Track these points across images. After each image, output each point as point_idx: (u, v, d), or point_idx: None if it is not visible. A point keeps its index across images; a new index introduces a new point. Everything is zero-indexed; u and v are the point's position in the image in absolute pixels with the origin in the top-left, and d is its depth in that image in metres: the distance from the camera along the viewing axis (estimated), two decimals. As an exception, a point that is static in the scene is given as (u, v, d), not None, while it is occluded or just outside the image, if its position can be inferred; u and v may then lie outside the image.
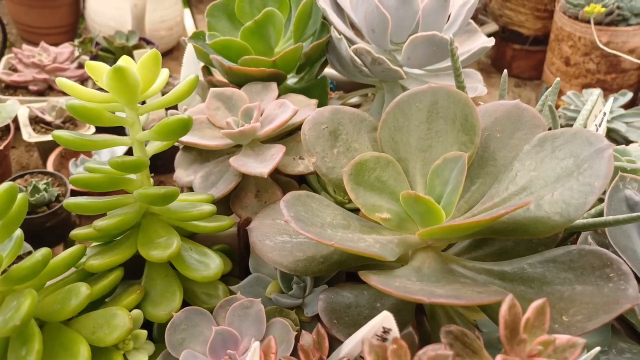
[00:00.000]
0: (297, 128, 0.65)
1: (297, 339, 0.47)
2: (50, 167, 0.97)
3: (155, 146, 0.50)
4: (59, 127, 1.06)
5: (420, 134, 0.54)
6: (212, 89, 0.62)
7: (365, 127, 0.57)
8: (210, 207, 0.48)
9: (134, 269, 0.51)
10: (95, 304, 0.46)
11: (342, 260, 0.50)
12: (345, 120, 0.56)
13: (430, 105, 0.55)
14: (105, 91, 0.46)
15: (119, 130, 0.97)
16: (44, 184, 0.87)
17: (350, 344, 0.41)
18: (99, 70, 0.44)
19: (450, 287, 0.39)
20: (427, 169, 0.53)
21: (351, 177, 0.49)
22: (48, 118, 1.05)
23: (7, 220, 0.40)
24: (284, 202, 0.44)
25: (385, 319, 0.33)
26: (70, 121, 1.08)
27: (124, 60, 0.44)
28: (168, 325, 0.45)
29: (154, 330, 0.50)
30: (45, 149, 1.02)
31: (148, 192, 0.44)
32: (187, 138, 0.58)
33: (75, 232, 0.45)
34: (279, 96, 0.64)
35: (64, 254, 0.43)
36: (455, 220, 0.46)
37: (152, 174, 0.69)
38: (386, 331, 0.35)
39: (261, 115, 0.60)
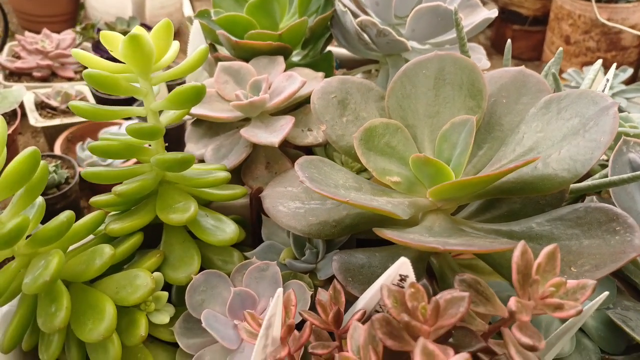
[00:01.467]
0: (305, 101, 0.67)
1: (312, 300, 0.49)
2: (57, 151, 0.98)
3: (169, 116, 0.51)
4: (64, 112, 1.07)
5: (427, 100, 0.56)
6: (220, 63, 0.63)
7: (372, 96, 0.58)
8: (225, 174, 0.50)
9: (151, 238, 0.52)
10: (115, 270, 0.48)
11: (353, 224, 0.52)
12: (353, 89, 0.57)
13: (437, 72, 0.56)
14: (119, 62, 0.47)
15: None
16: (53, 166, 0.88)
17: (366, 298, 0.42)
18: (114, 39, 0.45)
19: (462, 239, 0.40)
20: (435, 134, 0.54)
21: (361, 142, 0.50)
22: (53, 103, 1.06)
23: (31, 185, 0.41)
24: (298, 164, 0.45)
25: (402, 265, 0.35)
26: (75, 106, 1.09)
27: (138, 29, 0.45)
28: (188, 287, 0.47)
29: (173, 295, 0.51)
30: (52, 133, 1.03)
31: (165, 157, 0.45)
32: (197, 110, 0.59)
33: (95, 199, 0.47)
34: (285, 71, 0.65)
35: (85, 219, 0.44)
36: (465, 177, 0.47)
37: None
38: (403, 279, 0.36)
39: (269, 88, 0.61)
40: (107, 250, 0.41)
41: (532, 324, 0.48)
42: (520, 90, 0.56)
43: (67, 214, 0.40)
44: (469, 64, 0.55)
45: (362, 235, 0.59)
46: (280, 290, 0.35)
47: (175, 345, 0.48)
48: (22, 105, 1.04)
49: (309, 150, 0.70)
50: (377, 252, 0.50)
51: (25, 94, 1.03)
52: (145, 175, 0.48)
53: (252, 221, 0.60)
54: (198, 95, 0.46)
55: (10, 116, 1.00)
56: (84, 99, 1.11)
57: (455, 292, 0.33)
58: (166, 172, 0.49)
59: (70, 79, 1.18)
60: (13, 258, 0.43)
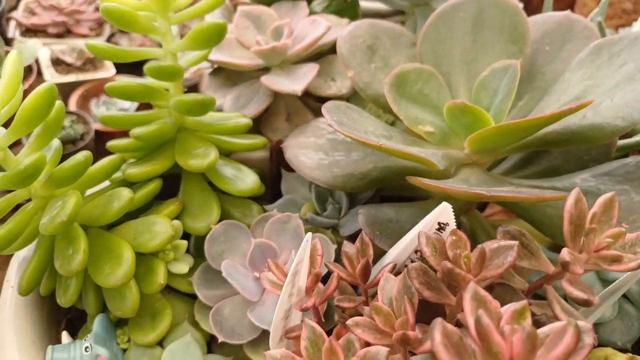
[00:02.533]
0: (328, 51, 0.63)
1: (335, 256, 0.47)
2: (72, 107, 0.97)
3: (188, 59, 0.48)
4: (79, 69, 1.04)
5: (464, 46, 0.51)
6: (240, 8, 0.59)
7: (403, 42, 0.54)
8: (246, 120, 0.47)
9: (168, 189, 0.50)
10: (132, 218, 0.46)
11: (380, 177, 0.49)
12: (383, 34, 0.53)
13: (476, 15, 0.51)
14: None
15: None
16: (70, 121, 0.87)
17: (395, 251, 0.40)
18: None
19: (508, 187, 0.37)
20: (471, 82, 0.50)
21: (392, 87, 0.47)
22: (69, 60, 1.03)
23: (47, 124, 0.39)
24: (325, 108, 0.42)
25: (443, 211, 0.32)
26: (90, 63, 1.06)
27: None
28: (207, 237, 0.45)
29: (190, 247, 0.50)
30: (67, 90, 1.01)
31: (185, 99, 0.43)
32: (216, 56, 0.55)
33: (113, 143, 0.44)
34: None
35: (102, 162, 0.42)
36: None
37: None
38: (442, 227, 0.33)
39: (291, 34, 0.58)
40: (125, 193, 0.39)
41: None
42: (565, 37, 0.52)
43: (84, 154, 0.38)
44: (511, 6, 0.50)
45: (387, 192, 0.56)
46: (309, 234, 0.33)
47: (192, 296, 0.47)
48: (37, 62, 1.02)
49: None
50: (405, 207, 0.48)
51: (40, 49, 1.00)
52: (164, 119, 0.45)
53: (272, 175, 0.57)
54: (219, 33, 0.43)
55: (26, 72, 0.97)
56: (98, 57, 1.09)
57: (502, 242, 0.31)
58: (185, 118, 0.46)
59: (85, 36, 1.15)
60: (29, 201, 0.42)
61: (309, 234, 0.33)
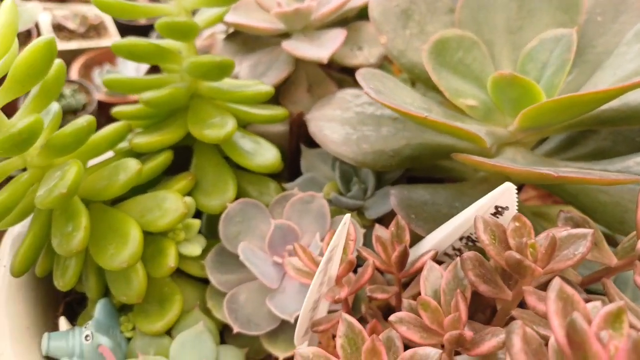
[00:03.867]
0: (354, 17, 0.58)
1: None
2: (74, 76, 0.91)
3: (203, 19, 0.43)
4: (82, 36, 0.99)
5: (508, 13, 0.46)
6: (259, -33, 0.54)
7: (440, 8, 0.49)
8: (267, 87, 0.42)
9: (178, 164, 0.46)
10: (138, 194, 0.41)
11: (414, 155, 0.44)
12: (418, -1, 0.48)
13: (523, -22, 0.46)
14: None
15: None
16: (71, 90, 0.82)
17: (436, 237, 0.35)
18: None
19: (574, 169, 0.33)
20: (517, 53, 0.45)
21: (432, 55, 0.42)
22: (71, 26, 0.98)
23: (46, 84, 0.34)
24: (360, 75, 0.38)
25: (505, 192, 0.28)
26: (94, 30, 1.01)
27: None
28: (222, 217, 0.41)
29: (202, 227, 0.45)
30: (68, 58, 0.96)
31: (200, 60, 0.38)
32: (233, 18, 0.50)
33: (119, 109, 0.40)
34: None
35: (107, 129, 0.38)
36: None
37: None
38: (499, 212, 0.29)
39: (316, -3, 0.52)
40: (132, 164, 0.35)
41: (616, 282, 0.41)
42: (618, 7, 0.47)
43: (87, 118, 0.34)
44: (564, -31, 0.45)
45: (415, 173, 0.52)
46: (348, 215, 0.28)
47: (204, 281, 0.43)
48: (37, 27, 0.96)
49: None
50: (440, 189, 0.43)
51: (40, 13, 0.94)
52: (176, 84, 0.40)
53: (291, 151, 0.53)
54: (239, -12, 0.38)
55: (25, 36, 0.92)
56: (102, 24, 1.03)
57: (572, 230, 0.26)
58: (199, 84, 0.42)
59: (87, 2, 1.09)
60: (24, 171, 0.37)
61: (348, 215, 0.29)
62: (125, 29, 1.04)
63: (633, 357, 0.17)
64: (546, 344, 0.22)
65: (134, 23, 1.07)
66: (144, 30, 1.06)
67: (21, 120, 0.31)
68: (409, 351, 0.25)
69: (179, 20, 0.36)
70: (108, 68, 0.94)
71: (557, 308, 0.19)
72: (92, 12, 1.03)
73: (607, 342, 0.18)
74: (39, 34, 0.95)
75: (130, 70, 0.94)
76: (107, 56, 0.96)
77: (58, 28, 0.98)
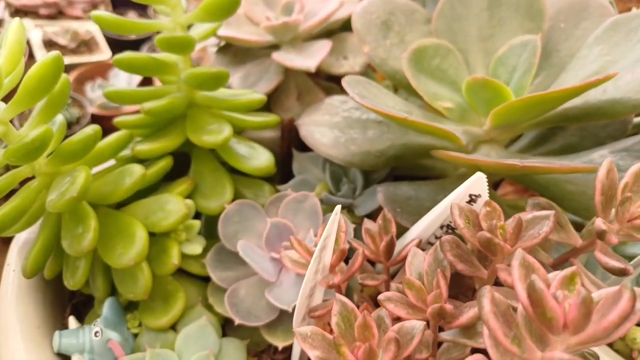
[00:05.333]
0: (339, 29, 0.61)
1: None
2: (67, 92, 0.94)
3: (199, 32, 0.46)
4: (73, 51, 1.01)
5: (480, 22, 0.50)
6: (248, -17, 0.57)
7: (417, 18, 0.53)
8: (260, 95, 0.45)
9: (176, 169, 0.48)
10: (139, 199, 0.44)
11: (398, 155, 0.48)
12: (397, 10, 0.52)
13: (492, -10, 0.50)
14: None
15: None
16: (65, 104, 0.84)
17: (419, 228, 0.39)
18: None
19: (537, 159, 0.36)
20: (488, 58, 0.49)
21: (411, 62, 0.45)
22: (62, 41, 1.00)
23: (52, 97, 0.37)
24: (346, 81, 0.41)
25: (476, 182, 0.31)
26: (85, 45, 1.03)
27: None
28: (221, 217, 0.43)
29: (201, 228, 0.48)
30: (61, 74, 0.98)
31: (198, 71, 0.41)
32: (225, 32, 0.54)
33: (121, 119, 0.42)
34: None
35: (110, 138, 0.41)
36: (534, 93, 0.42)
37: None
38: (473, 199, 0.32)
39: (302, 10, 0.56)
40: (137, 169, 0.37)
41: (587, 267, 0.45)
42: (580, 15, 0.51)
43: (93, 127, 0.36)
44: (528, -19, 0.49)
45: (400, 172, 0.55)
46: (338, 207, 0.31)
47: (203, 279, 0.46)
48: (29, 44, 0.98)
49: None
50: (423, 185, 0.47)
51: (31, 30, 0.97)
52: (174, 94, 0.43)
53: (282, 155, 0.56)
54: (233, 5, 0.41)
55: (16, 54, 0.94)
56: (92, 39, 1.05)
57: (537, 212, 0.30)
58: (196, 94, 0.45)
59: (78, 18, 1.12)
60: (32, 179, 0.39)
61: (339, 206, 0.32)
62: (115, 44, 1.07)
63: (582, 310, 0.21)
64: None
65: (124, 38, 1.10)
66: (134, 45, 1.09)
67: (32, 130, 0.34)
68: (397, 325, 0.28)
69: (177, 35, 0.39)
70: (100, 82, 0.96)
71: (520, 274, 0.23)
72: (82, 28, 1.06)
73: (562, 299, 0.22)
74: (30, 51, 0.97)
75: (123, 83, 0.96)
76: (98, 70, 0.99)
77: (49, 44, 1.00)
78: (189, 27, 0.46)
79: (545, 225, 0.29)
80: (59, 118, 0.40)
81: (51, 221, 0.38)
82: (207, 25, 0.46)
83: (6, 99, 0.37)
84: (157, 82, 0.54)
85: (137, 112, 0.43)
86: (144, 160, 0.43)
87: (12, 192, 0.40)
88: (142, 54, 0.42)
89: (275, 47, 0.57)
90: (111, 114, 0.87)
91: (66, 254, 0.38)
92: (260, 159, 0.45)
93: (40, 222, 0.40)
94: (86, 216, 0.36)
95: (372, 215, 0.48)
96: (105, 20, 0.42)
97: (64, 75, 0.39)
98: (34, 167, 0.38)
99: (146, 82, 0.94)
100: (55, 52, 0.35)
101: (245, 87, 0.55)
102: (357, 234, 0.46)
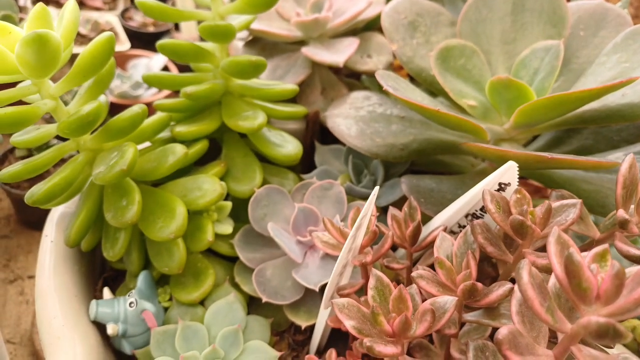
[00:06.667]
0: (362, 28, 0.63)
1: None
2: (87, 80, 0.95)
3: (238, 22, 0.47)
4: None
5: (504, 26, 0.52)
6: (279, -20, 0.59)
7: (442, 20, 0.55)
8: (292, 85, 0.47)
9: (206, 154, 0.50)
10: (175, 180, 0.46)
11: (420, 149, 0.50)
12: (423, 12, 0.54)
13: (516, -4, 0.52)
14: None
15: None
16: (86, 92, 0.86)
17: (443, 217, 0.40)
18: None
19: (563, 154, 0.38)
20: (510, 61, 0.51)
21: (438, 61, 0.47)
22: (83, 31, 1.02)
23: (100, 76, 0.39)
24: (378, 75, 0.43)
25: (508, 170, 0.33)
26: (104, 36, 1.05)
27: None
28: (251, 200, 0.45)
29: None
30: (80, 63, 1.00)
31: (238, 59, 0.43)
32: (257, 26, 0.56)
33: (161, 102, 0.44)
34: None
35: (152, 119, 0.42)
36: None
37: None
38: (502, 188, 0.34)
39: (331, 8, 0.58)
40: (179, 148, 0.39)
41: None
42: (599, 24, 0.53)
43: (141, 106, 0.38)
44: (551, -11, 0.52)
45: (419, 167, 0.57)
46: (377, 188, 0.33)
47: (230, 260, 0.47)
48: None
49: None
50: (444, 179, 0.49)
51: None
52: (213, 80, 0.45)
53: (305, 146, 0.58)
54: (272, -2, 0.43)
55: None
56: (112, 30, 1.07)
57: (564, 200, 0.32)
58: (231, 81, 0.46)
59: (98, 9, 1.14)
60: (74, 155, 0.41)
61: (377, 187, 0.34)
62: (134, 36, 1.09)
63: (615, 281, 0.23)
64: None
65: (143, 30, 1.12)
66: (152, 38, 1.11)
67: (86, 105, 0.35)
68: (429, 300, 0.30)
69: (220, 24, 0.41)
70: (119, 72, 0.98)
71: (556, 250, 0.25)
72: (102, 18, 1.08)
73: (595, 272, 0.23)
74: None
75: (142, 73, 0.98)
76: (117, 61, 1.01)
77: (71, 33, 1.03)
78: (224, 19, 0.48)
79: (572, 213, 0.31)
80: (102, 97, 0.42)
81: (93, 195, 0.40)
82: (243, 17, 0.48)
83: (54, 78, 0.39)
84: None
85: (150, 103, 0.45)
86: (181, 143, 0.45)
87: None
88: (185, 41, 0.44)
89: (302, 42, 0.59)
90: (129, 103, 0.89)
91: (106, 226, 0.40)
92: (289, 147, 0.47)
93: (79, 196, 0.42)
94: (130, 190, 0.37)
95: (393, 207, 0.50)
96: (149, 7, 0.43)
97: (112, 60, 0.40)
98: (79, 142, 0.39)
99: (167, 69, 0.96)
100: (108, 33, 0.37)
101: (273, 79, 0.57)
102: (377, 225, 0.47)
